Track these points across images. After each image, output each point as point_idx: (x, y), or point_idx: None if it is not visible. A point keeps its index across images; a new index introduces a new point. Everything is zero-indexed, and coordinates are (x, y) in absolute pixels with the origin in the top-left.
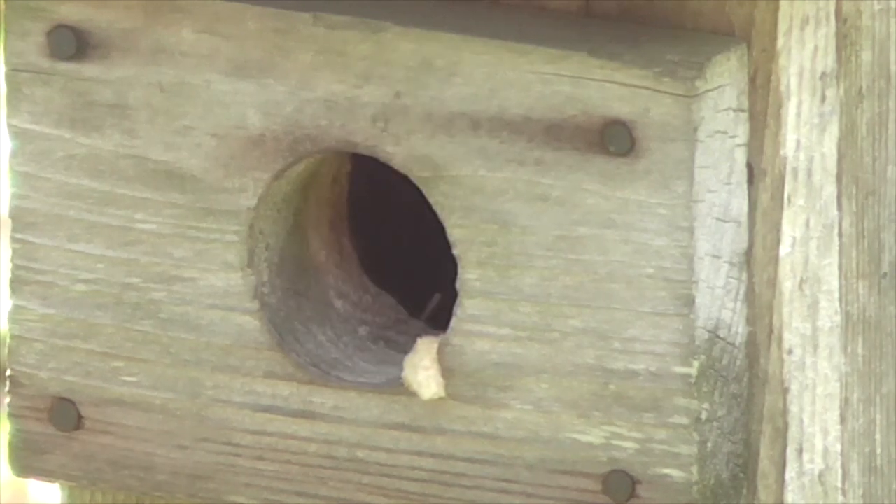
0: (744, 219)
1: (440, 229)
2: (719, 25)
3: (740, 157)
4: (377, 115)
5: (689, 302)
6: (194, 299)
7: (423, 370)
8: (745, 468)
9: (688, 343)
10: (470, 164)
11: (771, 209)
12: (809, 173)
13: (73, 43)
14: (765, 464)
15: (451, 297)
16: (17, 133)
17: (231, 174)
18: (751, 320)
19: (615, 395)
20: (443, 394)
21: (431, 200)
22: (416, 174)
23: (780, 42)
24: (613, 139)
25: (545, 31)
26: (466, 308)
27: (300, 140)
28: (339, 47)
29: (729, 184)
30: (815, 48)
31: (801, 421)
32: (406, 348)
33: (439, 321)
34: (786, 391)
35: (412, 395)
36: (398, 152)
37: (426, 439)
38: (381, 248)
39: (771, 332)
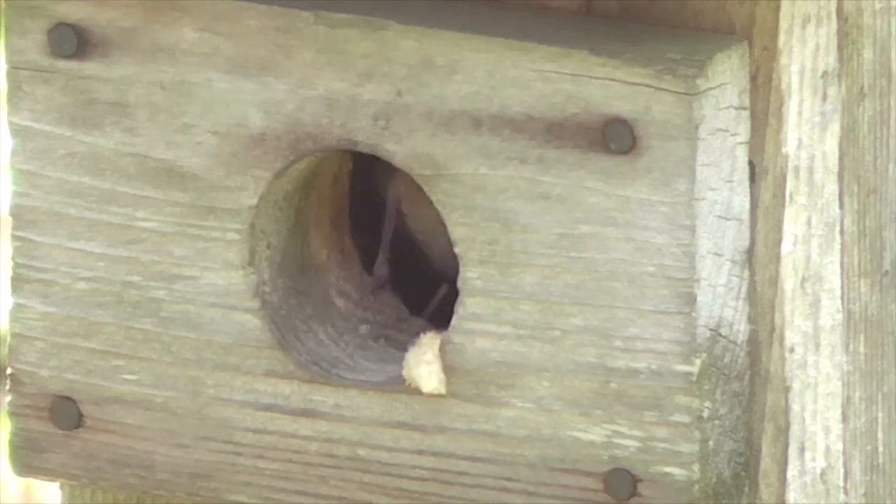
0: (745, 217)
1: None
2: (720, 24)
3: (742, 155)
4: (378, 114)
5: (691, 300)
6: (195, 298)
7: (424, 364)
8: (746, 467)
9: (689, 341)
10: (471, 163)
11: (772, 207)
12: (811, 171)
13: (74, 41)
14: (766, 462)
15: (452, 295)
16: (17, 131)
17: (232, 172)
18: (752, 318)
19: (616, 394)
20: (443, 389)
21: (433, 199)
22: (418, 172)
23: (782, 40)
24: (615, 137)
25: (546, 30)
26: (468, 306)
27: (301, 138)
28: (340, 45)
29: (730, 182)
30: (817, 47)
31: (803, 419)
32: (407, 346)
33: (442, 317)
34: (787, 389)
35: (413, 393)
36: (399, 151)
37: (427, 438)
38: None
39: (773, 330)
